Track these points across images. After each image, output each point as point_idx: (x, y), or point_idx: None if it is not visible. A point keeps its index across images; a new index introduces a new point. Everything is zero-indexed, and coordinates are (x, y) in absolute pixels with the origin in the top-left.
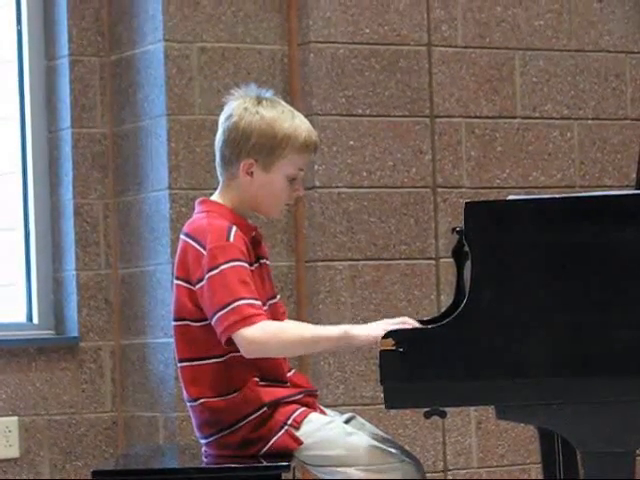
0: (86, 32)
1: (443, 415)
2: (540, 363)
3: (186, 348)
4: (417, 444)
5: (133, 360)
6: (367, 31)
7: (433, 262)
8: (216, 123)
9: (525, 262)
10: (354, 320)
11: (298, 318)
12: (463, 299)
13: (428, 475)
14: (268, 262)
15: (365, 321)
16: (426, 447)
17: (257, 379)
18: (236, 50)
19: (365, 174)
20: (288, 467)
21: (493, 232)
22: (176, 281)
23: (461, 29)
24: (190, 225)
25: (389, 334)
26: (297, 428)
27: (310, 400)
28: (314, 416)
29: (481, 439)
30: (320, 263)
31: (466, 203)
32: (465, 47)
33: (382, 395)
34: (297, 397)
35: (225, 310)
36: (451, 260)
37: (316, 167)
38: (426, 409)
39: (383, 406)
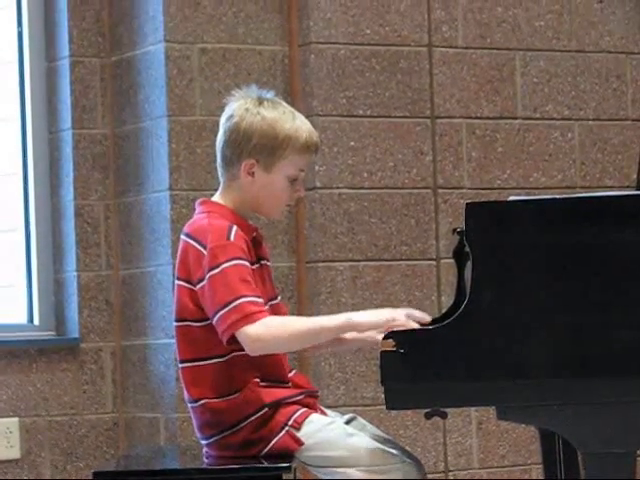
0: (87, 33)
1: (444, 416)
2: (541, 364)
3: (187, 349)
4: (418, 445)
5: (134, 361)
6: (368, 32)
7: (434, 263)
8: (217, 124)
9: (526, 263)
10: None
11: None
12: (464, 300)
13: (429, 476)
14: (269, 263)
15: None
16: (427, 448)
17: (258, 380)
18: (237, 51)
19: (366, 175)
20: (289, 468)
21: (494, 233)
22: (177, 281)
23: (462, 30)
24: (191, 225)
25: (390, 335)
26: (298, 429)
27: (311, 401)
28: (315, 417)
29: (482, 440)
30: (321, 264)
31: (467, 204)
32: (466, 48)
33: (383, 396)
34: (298, 398)
35: (227, 309)
36: (452, 261)
37: (317, 168)
38: (427, 410)
39: (384, 407)
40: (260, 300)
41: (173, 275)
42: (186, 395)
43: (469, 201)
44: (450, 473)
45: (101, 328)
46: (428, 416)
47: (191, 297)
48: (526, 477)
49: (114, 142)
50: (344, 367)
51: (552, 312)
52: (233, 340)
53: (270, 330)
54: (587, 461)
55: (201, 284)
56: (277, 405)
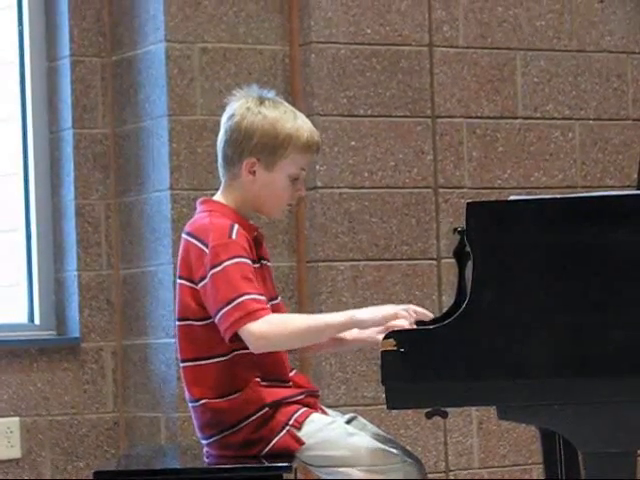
0: (87, 33)
1: (445, 415)
2: (542, 363)
3: (189, 348)
4: (419, 444)
5: (135, 361)
6: (368, 31)
7: (434, 262)
8: (217, 124)
9: (526, 263)
10: None
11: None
12: (464, 299)
13: (430, 475)
14: (269, 263)
15: None
16: (428, 447)
17: (259, 379)
18: (237, 50)
19: (366, 174)
20: (290, 468)
21: (494, 232)
22: (179, 280)
23: (462, 29)
24: (192, 224)
25: (390, 335)
26: (299, 428)
27: (312, 400)
28: (316, 416)
29: (482, 439)
30: (321, 263)
31: (467, 203)
32: (466, 47)
33: (383, 395)
34: (299, 397)
35: (229, 306)
36: (452, 260)
37: (317, 167)
38: (427, 409)
39: (384, 406)
40: (262, 298)
41: (174, 275)
42: (187, 395)
43: (470, 201)
44: (451, 473)
45: (102, 328)
46: (429, 416)
47: (193, 296)
48: (527, 477)
49: (115, 142)
50: (345, 367)
51: (553, 312)
52: (235, 338)
53: (273, 327)
54: (587, 461)
55: (203, 282)
56: (278, 405)
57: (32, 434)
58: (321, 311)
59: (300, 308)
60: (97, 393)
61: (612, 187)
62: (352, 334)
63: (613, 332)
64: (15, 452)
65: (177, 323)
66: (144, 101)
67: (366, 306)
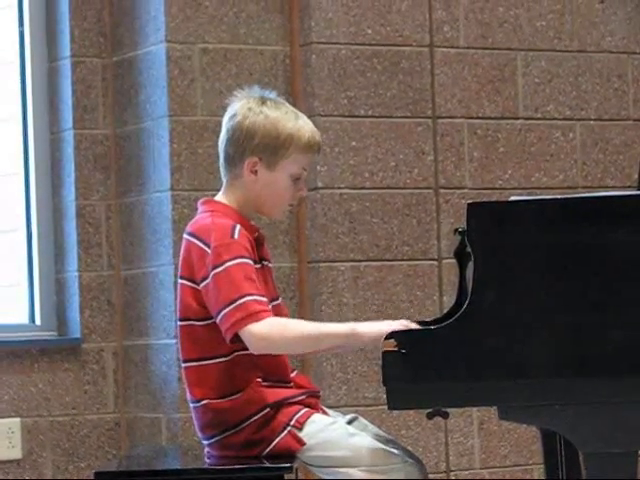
0: (88, 33)
1: (445, 416)
2: (542, 364)
3: (191, 348)
4: (420, 445)
5: (136, 361)
6: (369, 32)
7: (435, 263)
8: (218, 124)
9: (527, 263)
10: (356, 321)
11: (300, 319)
12: (465, 300)
13: (431, 476)
14: (270, 264)
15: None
16: (428, 448)
17: (260, 380)
18: (238, 51)
19: (367, 175)
20: (291, 468)
21: (495, 233)
22: (180, 280)
23: (463, 30)
24: (194, 225)
25: (391, 335)
26: (300, 429)
27: (313, 401)
28: (317, 417)
29: (483, 440)
30: (322, 264)
31: (468, 204)
32: (467, 48)
33: (385, 396)
34: (300, 398)
35: (231, 307)
36: (453, 261)
37: (318, 168)
38: (428, 410)
39: (386, 407)
40: (264, 299)
41: (175, 275)
42: (188, 395)
43: (470, 201)
44: (452, 473)
45: (103, 328)
46: (430, 416)
47: (194, 296)
48: (527, 477)
49: (115, 142)
50: (346, 367)
51: (554, 312)
52: (237, 339)
53: (274, 330)
54: (588, 461)
55: (205, 283)
56: (279, 405)
57: (33, 435)
58: (322, 311)
59: (301, 309)
60: (98, 394)
61: (613, 187)
62: None
63: (614, 332)
64: (16, 453)
65: (178, 323)
66: (145, 102)
67: (367, 307)
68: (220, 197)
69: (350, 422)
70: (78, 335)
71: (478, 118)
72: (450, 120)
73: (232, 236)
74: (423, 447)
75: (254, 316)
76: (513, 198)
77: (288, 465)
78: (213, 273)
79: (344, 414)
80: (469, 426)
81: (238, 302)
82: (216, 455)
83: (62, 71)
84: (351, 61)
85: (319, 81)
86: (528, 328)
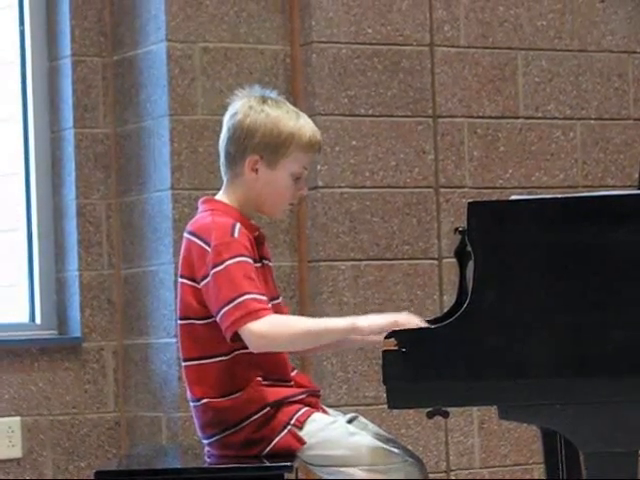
0: (89, 32)
1: (446, 415)
2: (543, 363)
3: (192, 347)
4: (420, 444)
5: (136, 360)
6: (370, 31)
7: (436, 262)
8: (219, 123)
9: (528, 262)
10: None
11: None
12: (466, 299)
13: (431, 475)
14: (271, 263)
15: None
16: (429, 447)
17: (260, 378)
18: (239, 50)
19: (368, 174)
20: (291, 467)
21: (496, 232)
22: (180, 279)
23: (463, 29)
24: (194, 224)
25: (392, 334)
26: (300, 428)
27: (313, 400)
28: (317, 416)
29: (484, 439)
30: (323, 263)
31: (469, 203)
32: (467, 47)
33: (385, 395)
34: (300, 397)
35: (231, 305)
36: (454, 260)
37: (319, 167)
38: (429, 409)
39: (386, 406)
40: (264, 298)
41: (175, 274)
42: (189, 394)
43: (471, 200)
44: (452, 472)
45: (103, 327)
46: (430, 415)
47: (194, 295)
48: (528, 477)
49: (116, 141)
50: (346, 366)
51: (554, 311)
52: (237, 337)
53: (274, 328)
54: (588, 460)
55: (205, 281)
56: (279, 404)
57: (33, 434)
58: (322, 310)
59: (301, 308)
60: (98, 393)
61: (613, 187)
62: None
63: (614, 332)
64: (16, 452)
65: (179, 322)
66: (145, 101)
67: (368, 306)
68: (220, 196)
69: (350, 421)
70: (78, 334)
71: (478, 117)
72: (450, 119)
73: (232, 235)
74: (423, 446)
75: (253, 314)
76: (513, 197)
77: (288, 464)
78: (213, 272)
79: (344, 413)
80: (469, 425)
81: (237, 301)
82: (216, 454)
83: (63, 70)
84: (352, 60)
85: (319, 80)
86: (528, 327)
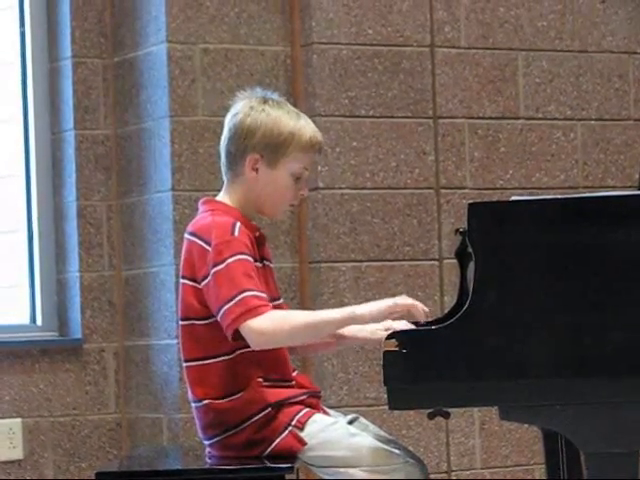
0: (89, 34)
1: (447, 416)
2: (543, 364)
3: (193, 347)
4: (421, 445)
5: (137, 361)
6: (370, 32)
7: (436, 263)
8: (219, 124)
9: (528, 263)
10: None
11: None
12: (466, 300)
13: (432, 476)
14: (272, 265)
15: None
16: (430, 448)
17: (261, 379)
18: (239, 51)
19: (368, 175)
20: (292, 468)
21: (496, 233)
22: (182, 280)
23: (464, 30)
24: (194, 224)
25: (392, 335)
26: (301, 429)
27: (314, 401)
28: (318, 417)
29: (485, 440)
30: (323, 264)
31: (469, 204)
32: (468, 48)
33: (385, 396)
34: (301, 398)
35: (231, 303)
36: (454, 261)
37: (319, 168)
38: (430, 410)
39: (386, 407)
40: (263, 295)
41: (176, 276)
42: (190, 395)
43: (471, 201)
44: (453, 473)
45: (104, 329)
46: (431, 416)
47: (196, 295)
48: (529, 477)
49: (116, 143)
50: (347, 367)
51: (555, 312)
52: (238, 335)
53: (274, 324)
54: (589, 461)
55: (206, 281)
56: (280, 405)
57: (34, 435)
58: None
59: (302, 309)
60: (99, 394)
61: (614, 187)
62: (350, 331)
63: (615, 332)
64: (17, 453)
65: (180, 323)
66: (146, 102)
67: None
68: (221, 197)
69: (351, 422)
70: (79, 335)
71: (479, 118)
72: (451, 120)
73: (232, 233)
74: (424, 447)
75: (253, 311)
76: (514, 198)
77: (289, 465)
78: (214, 271)
79: (345, 414)
80: (470, 426)
81: (237, 298)
82: (217, 455)
83: (63, 72)
84: (352, 61)
85: (320, 81)
86: (529, 328)
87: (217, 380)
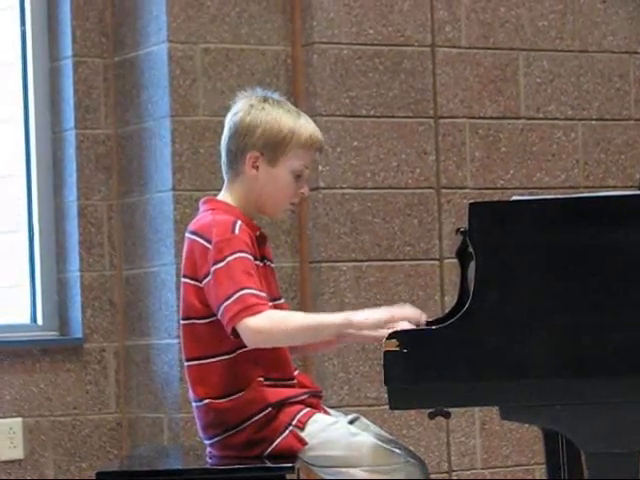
0: (90, 33)
1: (447, 416)
2: (543, 364)
3: (194, 346)
4: (421, 445)
5: (137, 361)
6: (371, 32)
7: (437, 263)
8: (220, 124)
9: (529, 263)
10: None
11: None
12: (467, 300)
13: (432, 476)
14: (272, 264)
15: None
16: (430, 448)
17: (262, 379)
18: (240, 51)
19: (369, 175)
20: (292, 468)
21: (497, 233)
22: (183, 279)
23: (465, 30)
24: (195, 223)
25: (393, 335)
26: (302, 429)
27: (315, 401)
28: (319, 417)
29: (485, 440)
30: (324, 264)
31: (470, 204)
32: (469, 48)
33: (386, 396)
34: (302, 398)
35: (230, 301)
36: (455, 261)
37: (320, 168)
38: (430, 410)
39: (387, 407)
40: (262, 293)
41: (177, 275)
42: (191, 394)
43: (472, 201)
44: (453, 473)
45: (104, 328)
46: (431, 416)
47: (197, 295)
48: (529, 477)
49: (117, 142)
50: (347, 367)
51: (556, 312)
52: (238, 333)
53: (271, 323)
54: (590, 461)
55: (207, 279)
56: (281, 405)
57: (35, 435)
58: (324, 311)
59: (302, 309)
60: (100, 394)
61: (614, 187)
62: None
63: (616, 333)
64: (18, 453)
65: (181, 322)
66: (146, 102)
67: (369, 307)
68: (222, 196)
69: (352, 422)
70: (80, 335)
71: (480, 118)
72: (452, 120)
73: (233, 231)
74: (425, 447)
75: (250, 309)
76: (515, 198)
77: (290, 465)
78: (214, 268)
79: (346, 414)
80: (471, 426)
81: (236, 295)
82: (218, 455)
83: (64, 71)
84: (353, 61)
85: (321, 81)
86: (529, 328)
87: (218, 379)
